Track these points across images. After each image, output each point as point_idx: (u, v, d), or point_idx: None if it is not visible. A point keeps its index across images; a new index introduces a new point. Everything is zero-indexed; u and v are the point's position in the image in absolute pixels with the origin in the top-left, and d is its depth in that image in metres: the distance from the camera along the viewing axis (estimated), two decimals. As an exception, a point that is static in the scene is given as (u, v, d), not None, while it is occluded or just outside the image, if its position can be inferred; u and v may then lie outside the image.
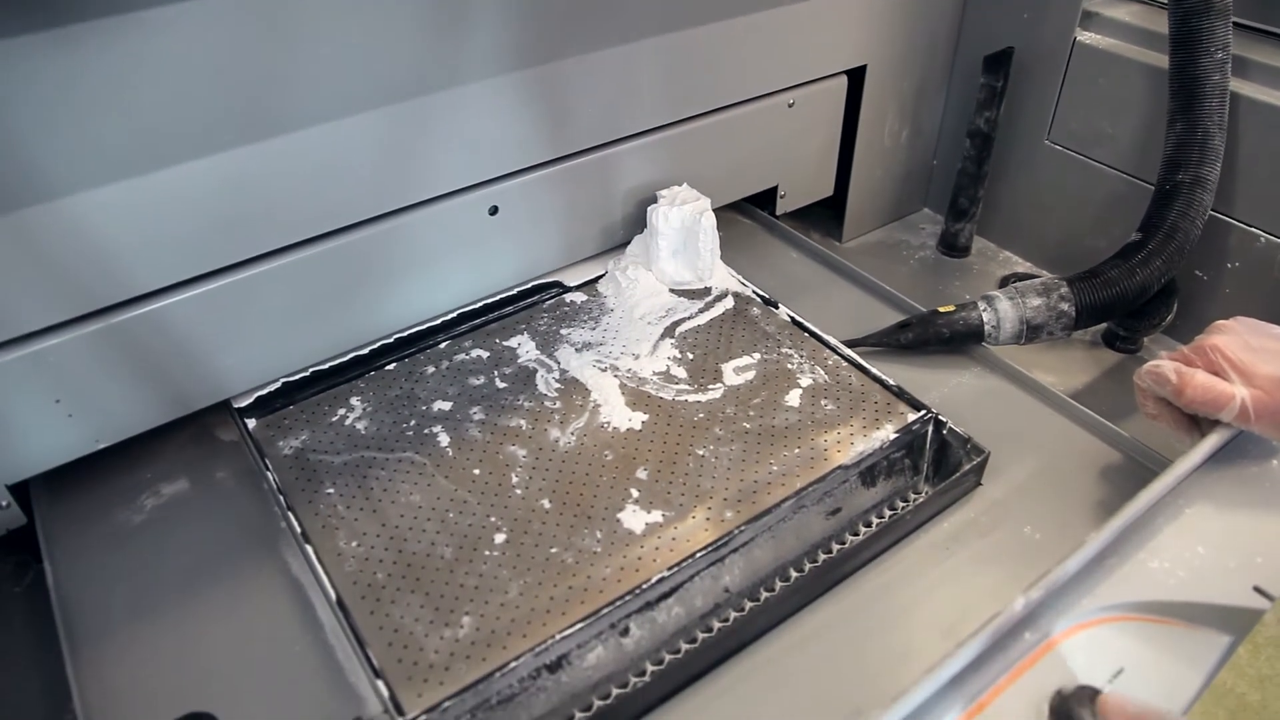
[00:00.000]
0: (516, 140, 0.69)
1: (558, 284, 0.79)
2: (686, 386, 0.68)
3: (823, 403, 0.66)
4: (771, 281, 0.81)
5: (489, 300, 0.76)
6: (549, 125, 0.70)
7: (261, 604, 0.57)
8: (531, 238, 0.76)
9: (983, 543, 0.62)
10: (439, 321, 0.74)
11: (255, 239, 0.61)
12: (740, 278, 0.79)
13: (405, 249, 0.68)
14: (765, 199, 0.90)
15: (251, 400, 0.67)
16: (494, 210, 0.71)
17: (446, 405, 0.67)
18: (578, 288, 0.79)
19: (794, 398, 0.67)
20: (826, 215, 0.95)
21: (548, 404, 0.67)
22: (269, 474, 0.62)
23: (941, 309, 0.72)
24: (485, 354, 0.72)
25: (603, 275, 0.78)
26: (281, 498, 0.61)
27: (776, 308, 0.76)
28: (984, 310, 0.72)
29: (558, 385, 0.69)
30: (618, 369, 0.70)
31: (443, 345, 0.73)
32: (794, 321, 0.73)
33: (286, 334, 0.66)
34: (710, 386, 0.68)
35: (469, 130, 0.66)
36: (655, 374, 0.70)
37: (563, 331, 0.74)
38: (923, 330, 0.72)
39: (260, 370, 0.67)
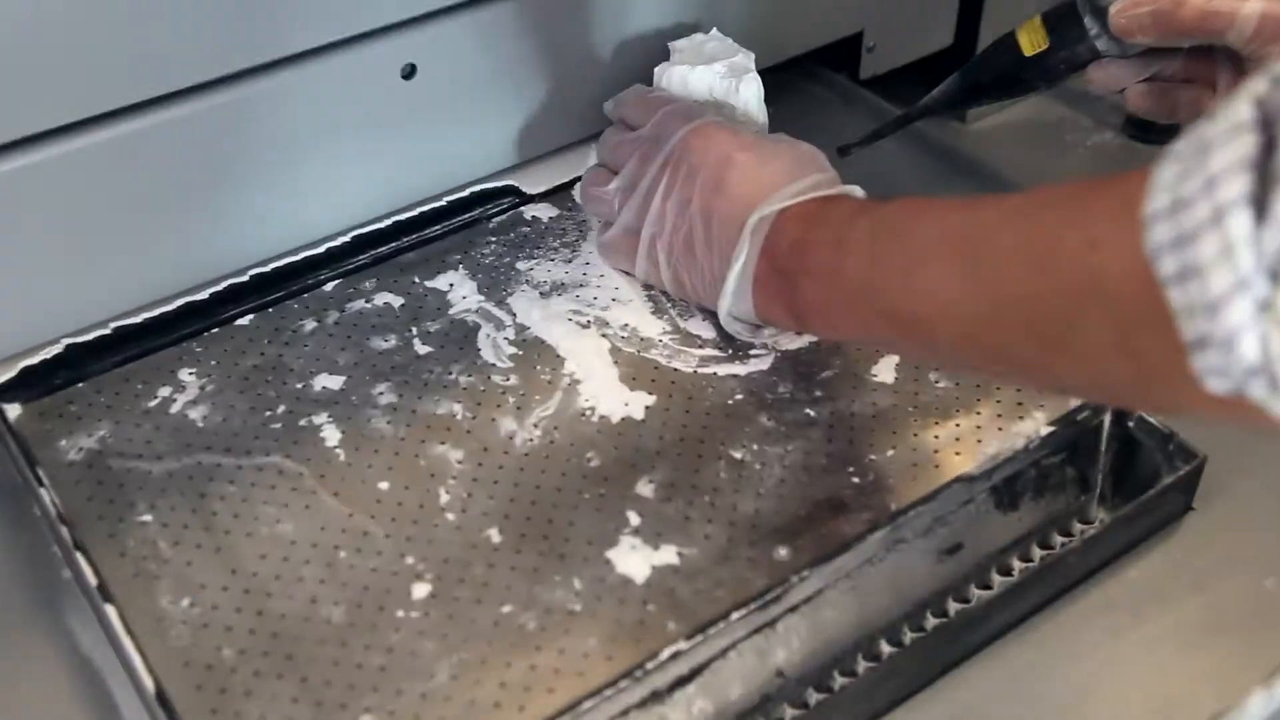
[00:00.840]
0: (446, -41, 0.71)
1: (512, 190, 0.80)
2: (716, 351, 0.70)
3: (931, 376, 0.68)
4: (853, 184, 0.79)
5: (403, 216, 0.77)
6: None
7: (30, 701, 0.57)
8: (470, 117, 0.76)
9: (1195, 602, 0.62)
10: (323, 250, 0.74)
11: (15, 112, 0.61)
12: (802, 180, 0.78)
13: (266, 133, 0.69)
14: (843, 53, 0.89)
15: (14, 374, 0.67)
16: (409, 71, 0.72)
17: (335, 382, 0.68)
18: (542, 197, 0.80)
19: (885, 368, 0.68)
20: (943, 80, 0.94)
21: (497, 379, 0.68)
22: (43, 492, 0.62)
23: (1025, 47, 0.72)
24: (398, 301, 0.73)
25: (581, 178, 0.79)
26: (65, 530, 0.60)
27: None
28: (1091, 27, 0.70)
29: (513, 350, 0.70)
30: (606, 324, 0.71)
31: (329, 287, 0.74)
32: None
33: (71, 268, 0.67)
34: (753, 351, 0.70)
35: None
36: (665, 332, 0.71)
37: (520, 266, 0.75)
38: (999, 90, 0.75)
39: (26, 326, 0.67)
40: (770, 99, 0.77)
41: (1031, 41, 0.71)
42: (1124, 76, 0.71)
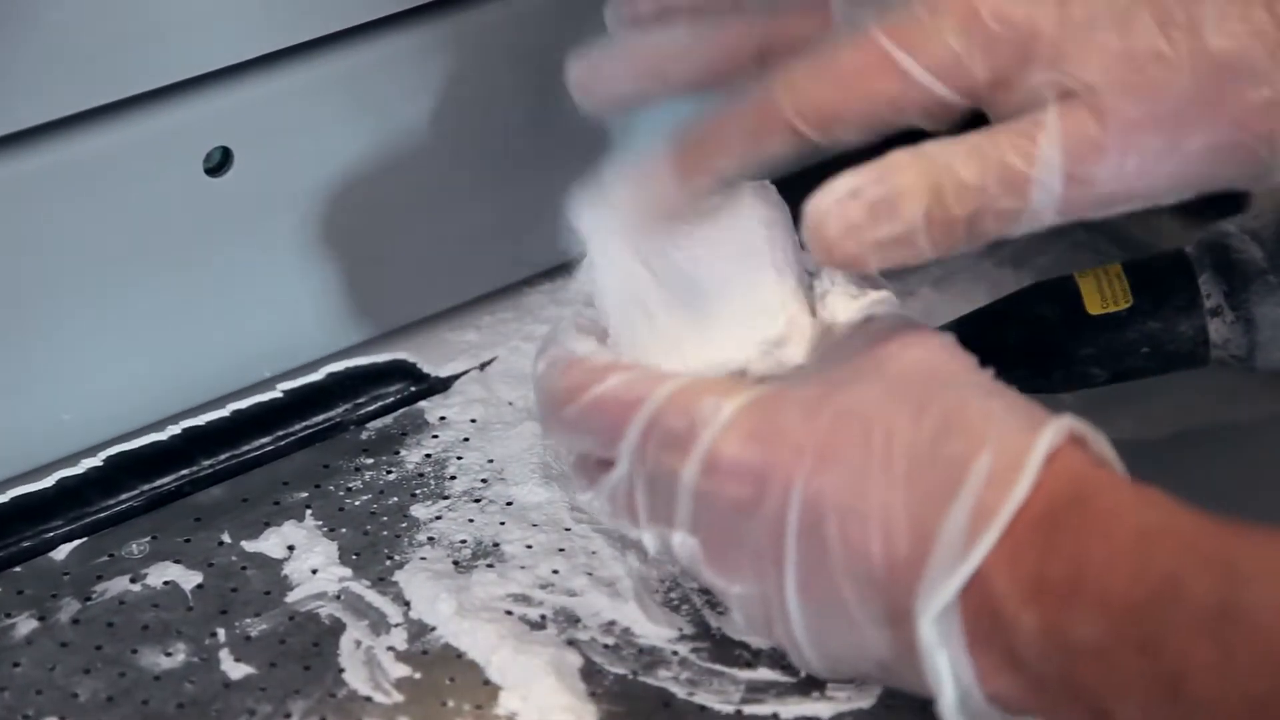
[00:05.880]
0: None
1: (402, 370, 0.80)
2: (777, 674, 0.66)
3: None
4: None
5: (202, 421, 0.75)
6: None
7: None
8: (326, 240, 0.74)
9: None
10: (53, 482, 0.72)
11: None
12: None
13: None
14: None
15: None
16: (220, 161, 0.71)
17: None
18: (455, 381, 0.79)
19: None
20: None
21: (375, 721, 0.64)
22: None
23: (1089, 299, 0.74)
24: (191, 579, 0.70)
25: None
26: None
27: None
28: (1209, 295, 0.73)
29: (404, 670, 0.66)
30: (576, 621, 0.68)
31: (63, 554, 0.71)
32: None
33: None
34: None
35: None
36: (683, 637, 0.68)
37: (418, 512, 0.73)
38: (1025, 363, 0.74)
39: None
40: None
41: (1103, 294, 0.72)
42: None
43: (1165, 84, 0.61)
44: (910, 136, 0.68)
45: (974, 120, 0.70)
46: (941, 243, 0.63)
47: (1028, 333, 0.73)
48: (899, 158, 0.62)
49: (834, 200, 0.62)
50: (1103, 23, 0.62)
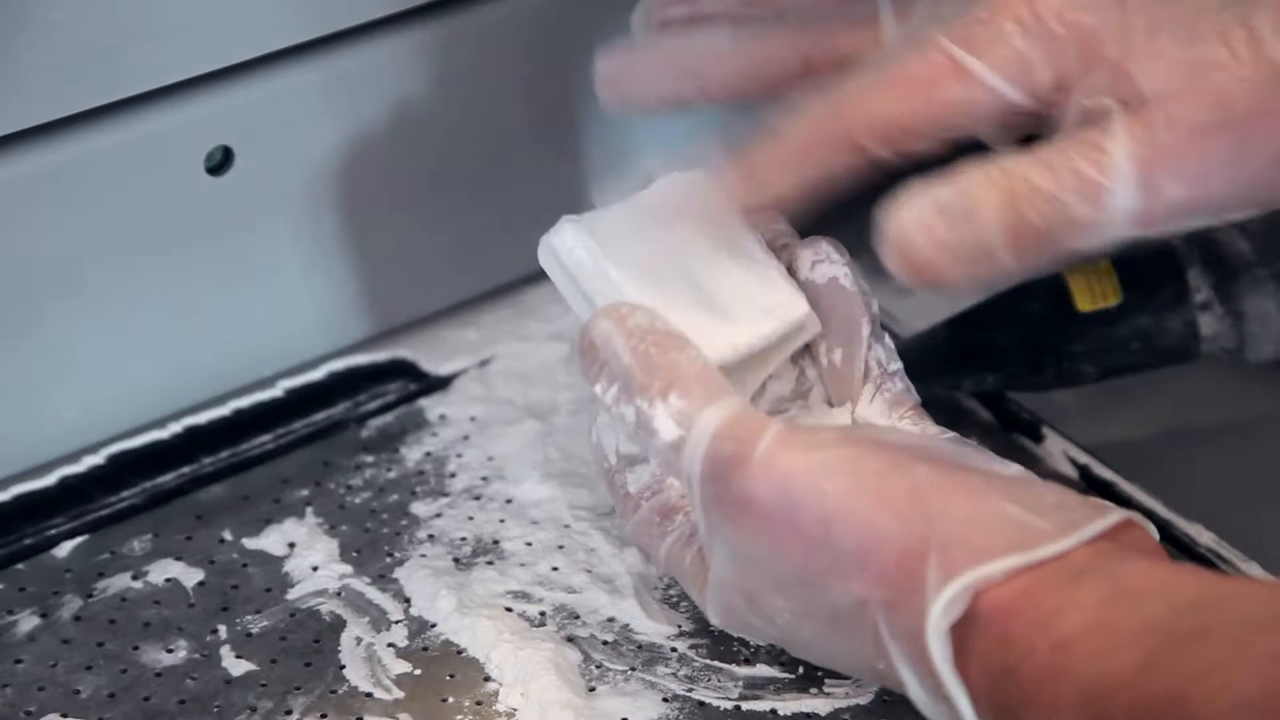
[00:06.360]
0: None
1: (401, 369, 0.80)
2: (775, 670, 0.66)
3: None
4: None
5: (202, 419, 0.75)
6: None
7: None
8: (326, 239, 0.75)
9: None
10: (54, 480, 0.72)
11: None
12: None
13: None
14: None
15: None
16: (221, 160, 0.71)
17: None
18: (455, 379, 0.79)
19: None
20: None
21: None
22: None
23: (1080, 296, 0.73)
24: (193, 576, 0.70)
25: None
26: None
27: (1038, 436, 0.77)
28: (1198, 289, 0.73)
29: (404, 666, 0.66)
30: (575, 617, 0.68)
31: (65, 551, 0.71)
32: (1089, 479, 0.75)
33: None
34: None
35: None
36: (681, 634, 0.68)
37: (418, 510, 0.73)
38: (1016, 359, 0.75)
39: None
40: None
41: (1092, 290, 0.71)
42: None
43: (1229, 92, 0.60)
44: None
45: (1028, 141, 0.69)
46: (1020, 254, 0.62)
47: (1018, 331, 0.74)
48: (971, 170, 0.61)
49: (916, 212, 0.62)
50: (1164, 31, 0.61)
